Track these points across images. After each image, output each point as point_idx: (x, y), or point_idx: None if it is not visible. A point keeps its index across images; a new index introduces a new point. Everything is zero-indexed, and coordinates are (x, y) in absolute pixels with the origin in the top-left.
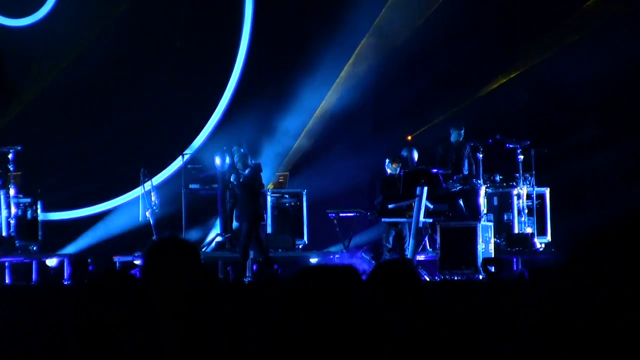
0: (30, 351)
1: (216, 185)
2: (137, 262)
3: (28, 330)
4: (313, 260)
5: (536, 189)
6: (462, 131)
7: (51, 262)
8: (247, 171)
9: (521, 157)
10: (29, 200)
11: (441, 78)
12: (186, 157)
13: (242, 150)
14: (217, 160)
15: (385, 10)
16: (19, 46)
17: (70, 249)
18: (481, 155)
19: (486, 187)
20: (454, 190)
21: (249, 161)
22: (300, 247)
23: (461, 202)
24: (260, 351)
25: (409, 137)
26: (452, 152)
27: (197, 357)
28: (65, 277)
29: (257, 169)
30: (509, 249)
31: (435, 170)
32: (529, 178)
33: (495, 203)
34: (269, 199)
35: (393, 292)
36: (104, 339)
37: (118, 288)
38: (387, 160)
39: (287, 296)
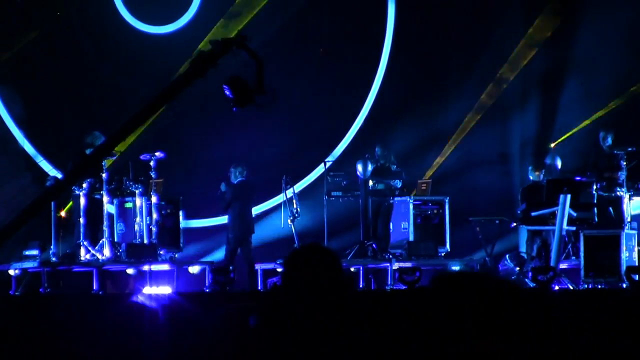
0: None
1: (358, 193)
2: (279, 269)
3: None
4: (454, 268)
5: None
6: (611, 136)
7: (194, 269)
8: (236, 182)
9: None
10: (170, 207)
11: (584, 84)
12: (328, 164)
13: (239, 168)
14: (359, 168)
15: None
16: (161, 54)
17: (212, 256)
18: (624, 163)
19: (630, 195)
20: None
21: (237, 177)
22: (442, 254)
23: (611, 210)
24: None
25: (552, 144)
26: (603, 159)
27: None
28: (206, 285)
29: (245, 186)
30: None
31: (578, 178)
32: None
33: None
34: (410, 206)
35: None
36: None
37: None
38: (530, 168)
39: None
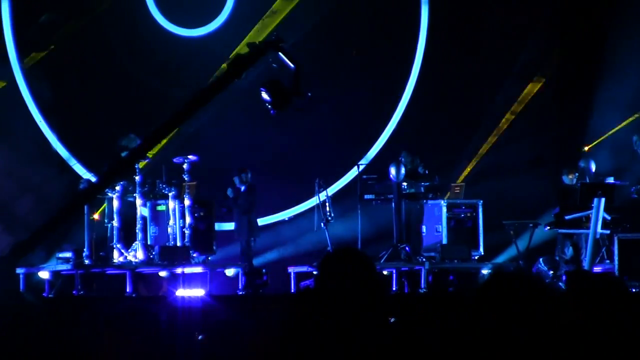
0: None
1: (391, 196)
2: (314, 272)
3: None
4: (484, 272)
5: None
6: None
7: (229, 272)
8: (243, 188)
9: None
10: (204, 210)
11: (619, 87)
12: (361, 167)
13: (243, 174)
14: (392, 171)
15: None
16: (194, 56)
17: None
18: None
19: None
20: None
21: (246, 180)
22: (475, 257)
23: None
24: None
25: (586, 148)
26: (638, 163)
27: None
28: (239, 287)
29: (253, 189)
30: None
31: (612, 182)
32: None
33: None
34: (444, 209)
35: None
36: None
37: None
38: (564, 171)
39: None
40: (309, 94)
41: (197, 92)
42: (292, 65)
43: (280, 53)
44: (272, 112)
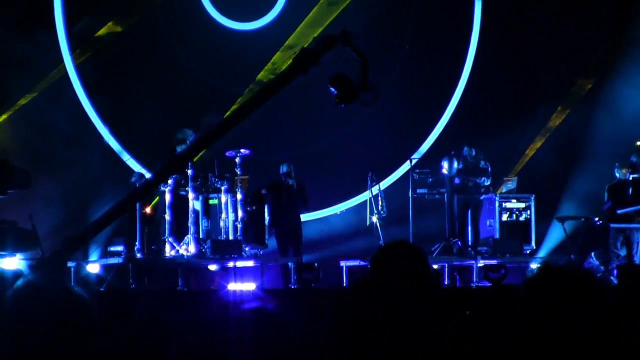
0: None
1: (444, 190)
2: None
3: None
4: (533, 266)
5: None
6: None
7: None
8: (291, 182)
9: None
10: (256, 204)
11: None
12: (414, 161)
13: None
14: (445, 165)
15: None
16: (247, 50)
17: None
18: None
19: None
20: None
21: (291, 174)
22: (527, 252)
23: None
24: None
25: (638, 142)
26: None
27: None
28: (291, 281)
29: (303, 187)
30: None
31: None
32: None
33: None
34: (496, 203)
35: None
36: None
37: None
38: (616, 165)
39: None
40: (376, 88)
41: (262, 86)
42: (360, 58)
43: (348, 47)
44: (342, 106)
